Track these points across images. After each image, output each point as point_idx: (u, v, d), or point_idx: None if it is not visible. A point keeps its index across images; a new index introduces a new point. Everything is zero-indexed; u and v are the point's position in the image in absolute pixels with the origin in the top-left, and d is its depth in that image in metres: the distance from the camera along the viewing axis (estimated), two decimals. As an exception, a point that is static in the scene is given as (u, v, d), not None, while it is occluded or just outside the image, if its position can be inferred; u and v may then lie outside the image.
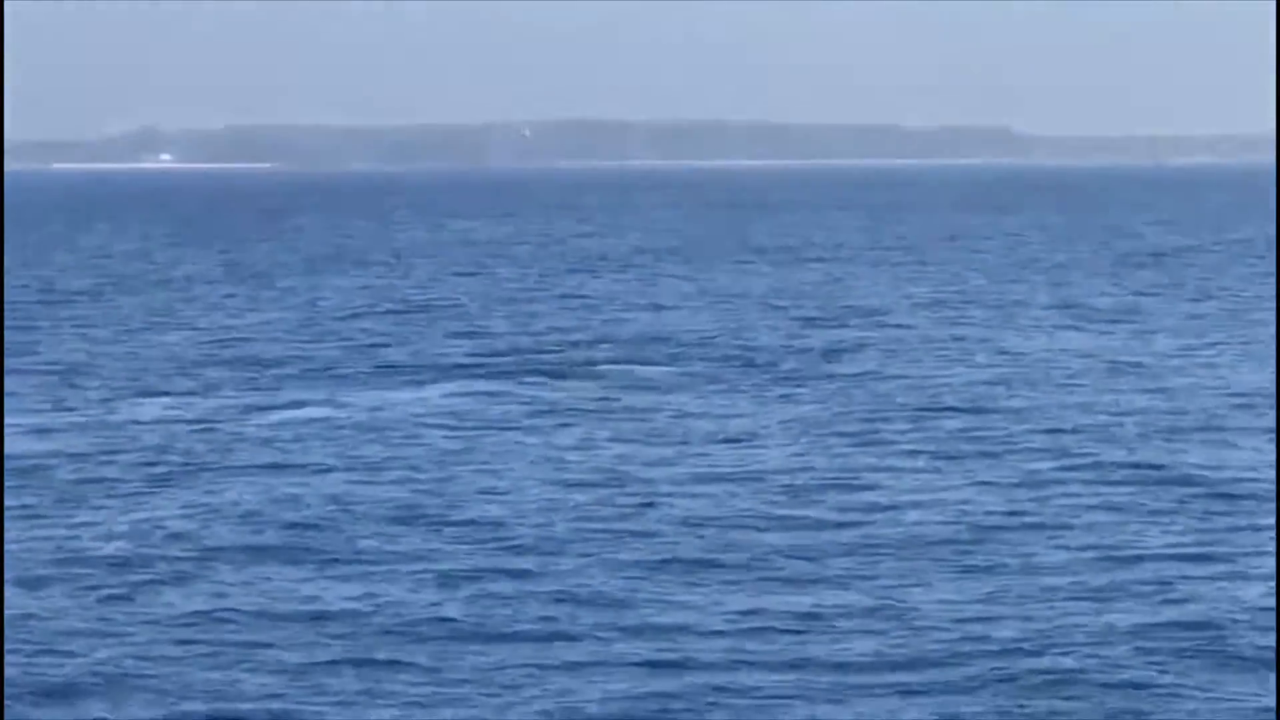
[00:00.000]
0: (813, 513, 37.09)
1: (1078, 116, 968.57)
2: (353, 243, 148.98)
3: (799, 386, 56.15)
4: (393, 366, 62.37)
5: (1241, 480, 39.64)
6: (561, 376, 58.65)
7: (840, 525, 35.84)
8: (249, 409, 52.33)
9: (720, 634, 28.12)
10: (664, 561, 32.81)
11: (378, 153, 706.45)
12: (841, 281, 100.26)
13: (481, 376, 59.14)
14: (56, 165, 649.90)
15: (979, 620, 28.49)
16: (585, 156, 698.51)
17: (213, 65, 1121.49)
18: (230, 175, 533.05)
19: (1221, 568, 31.81)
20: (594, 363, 62.35)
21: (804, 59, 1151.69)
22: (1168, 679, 25.37)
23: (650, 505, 37.69)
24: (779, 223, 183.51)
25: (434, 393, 55.57)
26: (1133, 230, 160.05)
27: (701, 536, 34.80)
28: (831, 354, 64.34)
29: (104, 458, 44.14)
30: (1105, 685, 24.85)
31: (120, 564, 32.92)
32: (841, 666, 26.46)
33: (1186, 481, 39.68)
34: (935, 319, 77.41)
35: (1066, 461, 42.39)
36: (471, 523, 36.24)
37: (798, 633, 28.18)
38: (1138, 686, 24.98)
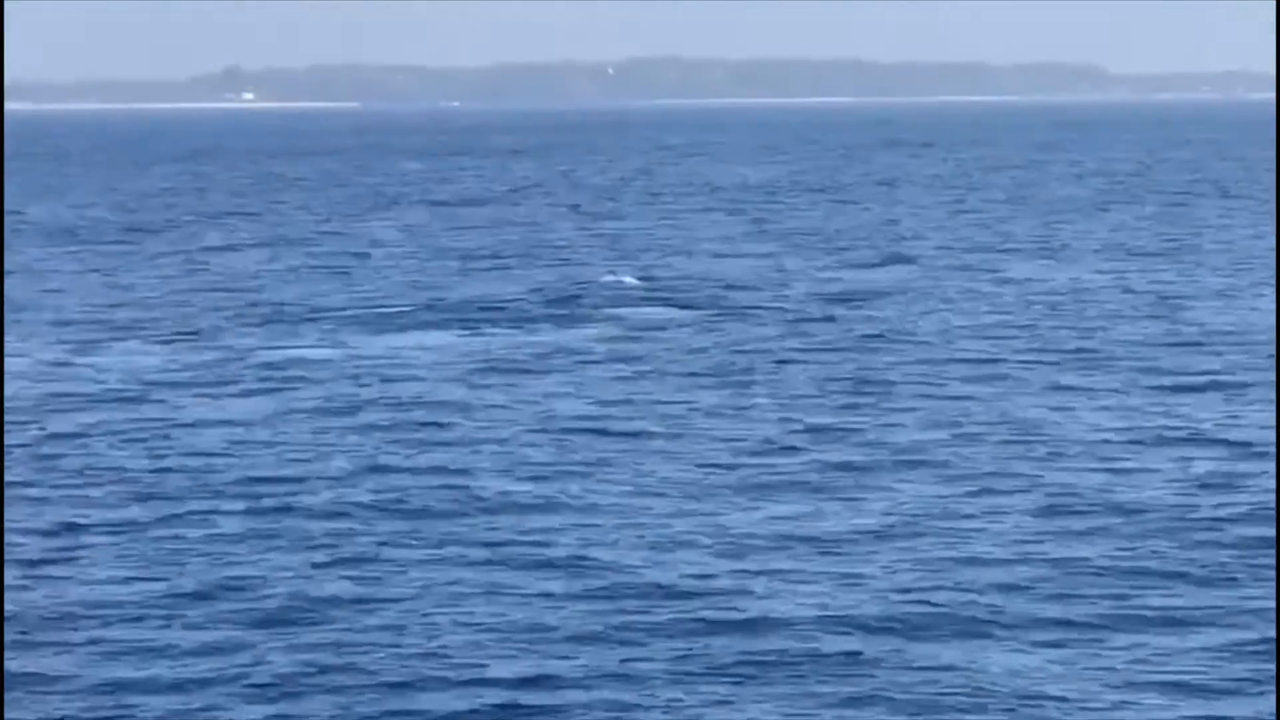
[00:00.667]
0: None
1: (1158, 53, 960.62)
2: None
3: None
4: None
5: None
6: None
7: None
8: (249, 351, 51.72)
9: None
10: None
11: (459, 91, 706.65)
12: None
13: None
14: (142, 105, 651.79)
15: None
16: (668, 95, 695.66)
17: (296, 6, 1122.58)
18: (315, 114, 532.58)
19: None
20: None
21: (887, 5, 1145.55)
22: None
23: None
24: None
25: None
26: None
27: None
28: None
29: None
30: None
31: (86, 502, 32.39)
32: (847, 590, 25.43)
33: None
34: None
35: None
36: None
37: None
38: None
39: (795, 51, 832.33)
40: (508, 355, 50.73)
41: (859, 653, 24.46)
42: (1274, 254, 74.04)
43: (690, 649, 24.62)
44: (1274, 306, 58.06)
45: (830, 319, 57.67)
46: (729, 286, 66.62)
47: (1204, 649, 24.78)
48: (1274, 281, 65.39)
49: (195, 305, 63.34)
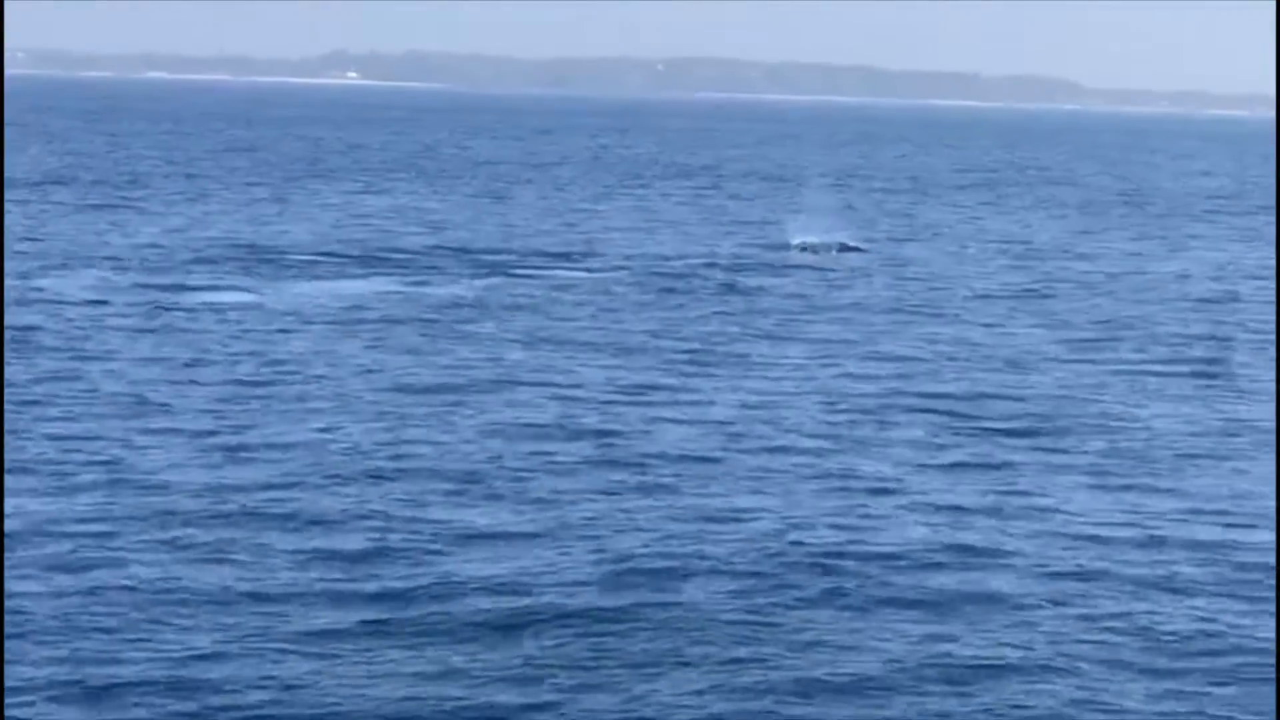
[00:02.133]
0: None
1: (1132, 71, 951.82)
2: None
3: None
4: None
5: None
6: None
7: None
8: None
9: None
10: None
11: (529, 78, 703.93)
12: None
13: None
14: (257, 78, 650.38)
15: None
16: (710, 89, 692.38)
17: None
18: (413, 93, 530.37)
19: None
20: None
21: (902, 13, 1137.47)
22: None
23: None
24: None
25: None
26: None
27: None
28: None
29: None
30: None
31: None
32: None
33: None
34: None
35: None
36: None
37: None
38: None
39: (817, 57, 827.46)
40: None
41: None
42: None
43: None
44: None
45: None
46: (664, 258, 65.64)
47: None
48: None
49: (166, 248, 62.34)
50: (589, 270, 60.47)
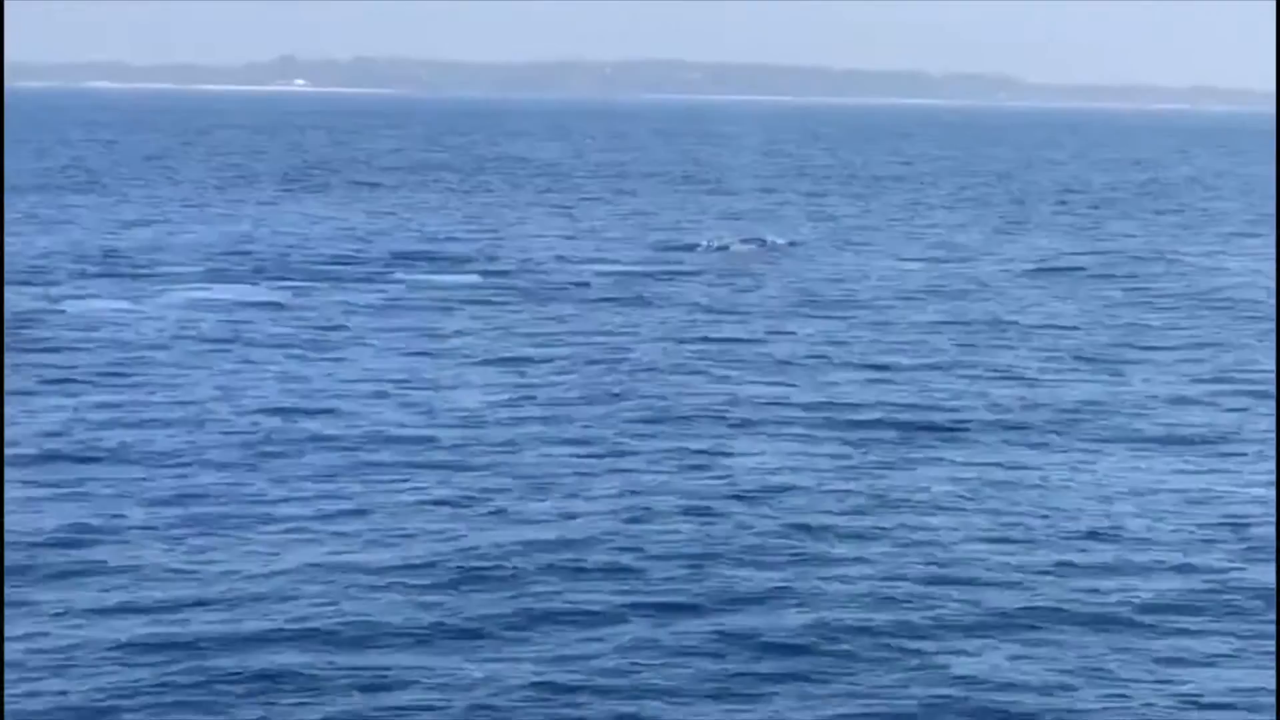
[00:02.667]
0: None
1: (1073, 66, 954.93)
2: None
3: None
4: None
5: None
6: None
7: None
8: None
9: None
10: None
11: (480, 83, 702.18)
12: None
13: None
14: (202, 87, 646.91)
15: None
16: (655, 91, 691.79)
17: (342, 2, 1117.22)
18: (359, 99, 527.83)
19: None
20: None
21: (847, 13, 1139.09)
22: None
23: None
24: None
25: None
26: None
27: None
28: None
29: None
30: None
31: None
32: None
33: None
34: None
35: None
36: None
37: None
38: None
39: (761, 57, 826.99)
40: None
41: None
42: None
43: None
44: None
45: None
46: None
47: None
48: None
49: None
50: (481, 276, 58.70)
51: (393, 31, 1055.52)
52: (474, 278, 57.88)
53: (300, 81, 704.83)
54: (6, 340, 42.08)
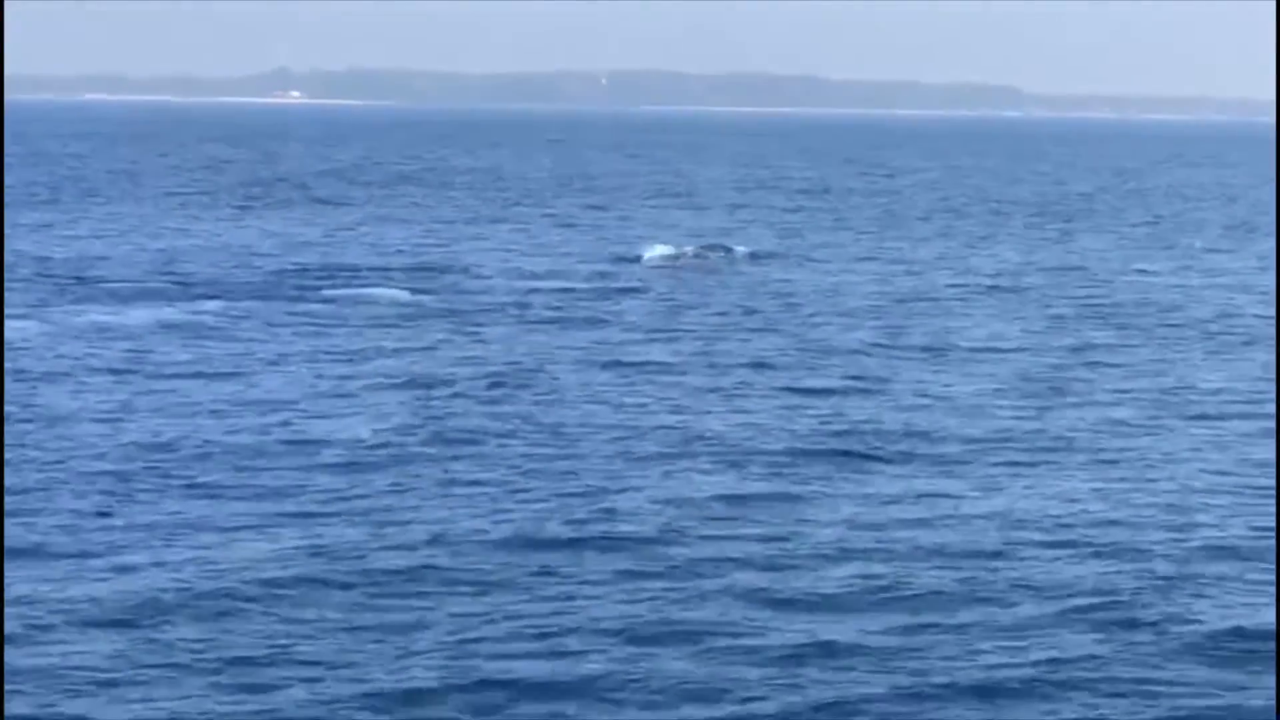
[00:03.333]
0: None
1: (1071, 76, 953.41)
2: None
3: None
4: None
5: None
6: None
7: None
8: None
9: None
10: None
11: (478, 94, 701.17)
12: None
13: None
14: (199, 99, 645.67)
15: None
16: (652, 102, 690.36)
17: (337, 12, 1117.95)
18: (352, 110, 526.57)
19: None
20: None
21: (841, 18, 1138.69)
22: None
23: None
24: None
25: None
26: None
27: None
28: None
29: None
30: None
31: None
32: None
33: None
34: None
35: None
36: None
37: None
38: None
39: (757, 66, 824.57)
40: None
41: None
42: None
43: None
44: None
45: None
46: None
47: None
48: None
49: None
50: (411, 293, 57.10)
51: (389, 43, 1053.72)
52: (407, 294, 56.33)
53: (295, 93, 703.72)
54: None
